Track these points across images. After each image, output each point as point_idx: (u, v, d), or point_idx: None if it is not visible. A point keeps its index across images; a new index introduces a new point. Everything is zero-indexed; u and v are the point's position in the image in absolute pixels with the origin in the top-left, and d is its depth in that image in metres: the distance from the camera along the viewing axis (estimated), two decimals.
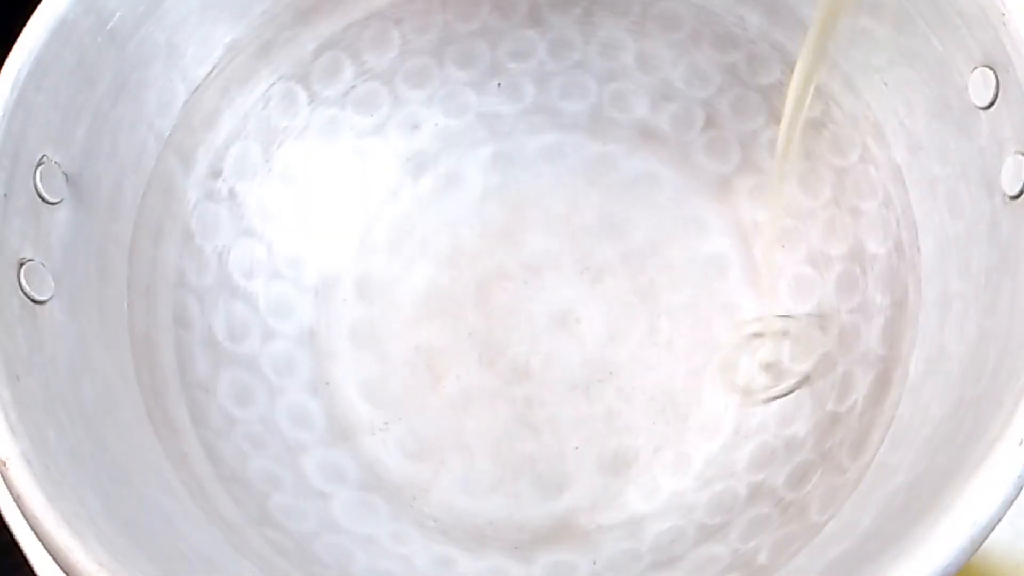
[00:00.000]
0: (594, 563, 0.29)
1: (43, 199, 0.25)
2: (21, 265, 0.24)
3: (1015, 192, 0.24)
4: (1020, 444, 0.21)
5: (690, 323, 0.32)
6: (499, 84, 0.34)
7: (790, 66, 0.30)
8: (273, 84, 0.31)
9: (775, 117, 0.31)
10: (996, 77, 0.25)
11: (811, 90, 0.28)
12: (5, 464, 0.22)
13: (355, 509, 0.29)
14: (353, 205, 0.33)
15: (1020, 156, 0.24)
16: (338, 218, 0.33)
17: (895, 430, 0.26)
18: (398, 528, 0.29)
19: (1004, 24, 0.24)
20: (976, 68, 0.25)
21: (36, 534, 0.21)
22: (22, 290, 0.24)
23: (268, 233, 0.32)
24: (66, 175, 0.26)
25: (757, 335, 0.31)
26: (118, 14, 0.27)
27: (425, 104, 0.34)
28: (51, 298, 0.25)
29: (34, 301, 0.24)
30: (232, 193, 0.31)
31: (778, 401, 0.30)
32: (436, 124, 0.34)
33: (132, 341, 0.27)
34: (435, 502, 0.30)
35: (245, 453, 0.29)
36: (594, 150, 0.34)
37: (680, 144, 0.33)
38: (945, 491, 0.22)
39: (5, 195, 0.24)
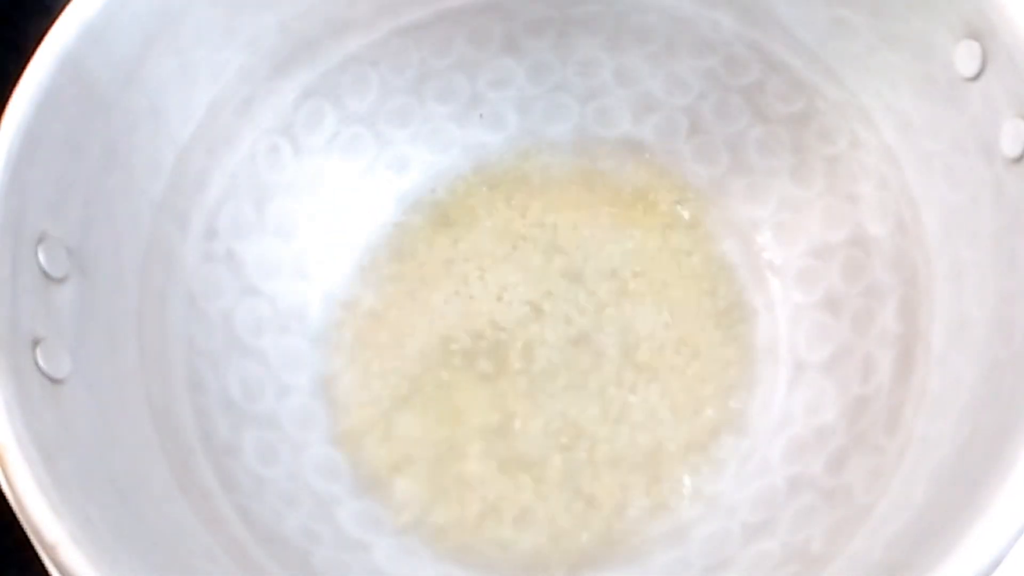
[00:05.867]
0: None
1: (48, 275, 0.25)
2: (36, 344, 0.24)
3: (1017, 154, 0.25)
4: None
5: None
6: (481, 115, 0.34)
7: (769, 64, 0.31)
8: (257, 139, 0.31)
9: (759, 116, 0.32)
10: (981, 47, 0.25)
11: None
12: (56, 548, 0.21)
13: (397, 555, 0.29)
14: (351, 251, 0.33)
15: (1018, 119, 0.25)
16: (337, 265, 0.33)
17: (929, 403, 0.26)
18: (442, 569, 0.29)
19: None
20: (960, 41, 0.26)
21: None
22: (40, 370, 0.23)
23: (270, 289, 0.31)
24: (67, 249, 0.25)
25: None
26: (101, 81, 0.26)
27: (410, 142, 0.33)
28: (69, 376, 0.24)
29: (53, 380, 0.24)
30: (230, 252, 0.30)
31: (801, 392, 0.30)
32: (423, 161, 0.34)
33: (152, 412, 0.27)
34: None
35: (279, 512, 0.28)
36: (584, 169, 0.34)
37: (668, 153, 0.33)
38: (1002, 451, 0.22)
39: (12, 275, 0.24)
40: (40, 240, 0.25)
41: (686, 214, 0.33)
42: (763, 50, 0.31)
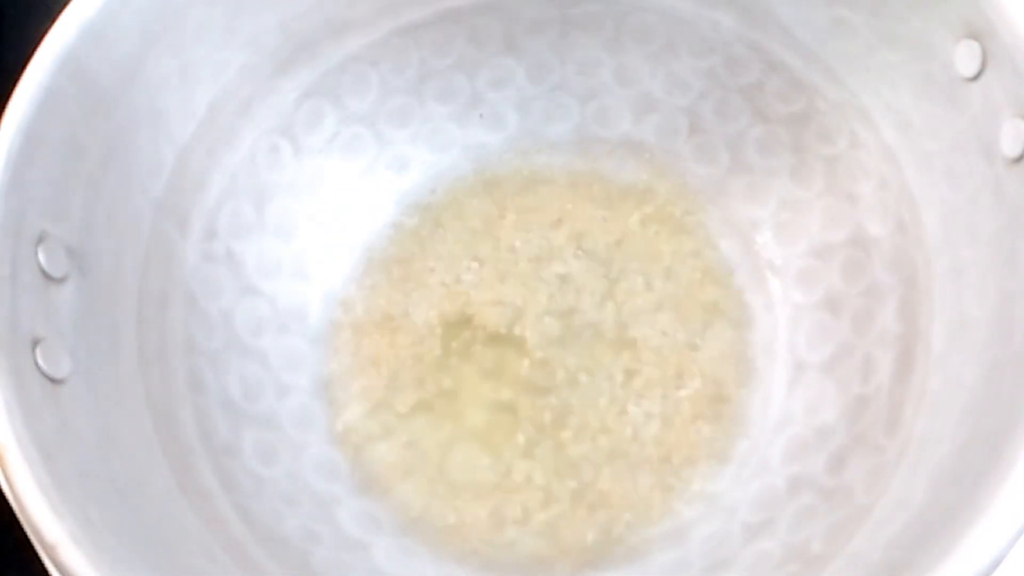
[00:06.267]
0: None
1: (48, 275, 0.25)
2: (35, 344, 0.24)
3: (1017, 154, 0.25)
4: None
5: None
6: (481, 115, 0.34)
7: (769, 64, 0.31)
8: (257, 139, 0.31)
9: (759, 116, 0.32)
10: (981, 47, 0.25)
11: None
12: (56, 548, 0.21)
13: (397, 555, 0.29)
14: (351, 251, 0.33)
15: (1018, 119, 0.25)
16: (337, 265, 0.33)
17: (929, 403, 0.26)
18: (442, 569, 0.29)
19: None
20: (959, 41, 0.26)
21: None
22: (40, 370, 0.23)
23: (269, 289, 0.31)
24: (67, 249, 0.25)
25: None
26: (102, 81, 0.26)
27: (410, 142, 0.34)
28: (69, 376, 0.24)
29: (53, 380, 0.24)
30: (229, 252, 0.30)
31: (801, 392, 0.30)
32: (424, 161, 0.34)
33: (152, 412, 0.27)
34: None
35: (279, 512, 0.28)
36: (584, 169, 0.34)
37: (668, 153, 0.33)
38: (1002, 451, 0.22)
39: (12, 275, 0.24)
40: (40, 240, 0.25)
41: (686, 214, 0.33)
42: (763, 50, 0.31)
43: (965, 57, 0.26)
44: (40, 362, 0.23)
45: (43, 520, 0.21)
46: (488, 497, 0.30)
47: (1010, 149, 0.25)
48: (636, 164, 0.34)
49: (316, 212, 0.33)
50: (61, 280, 0.25)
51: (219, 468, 0.27)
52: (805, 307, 0.31)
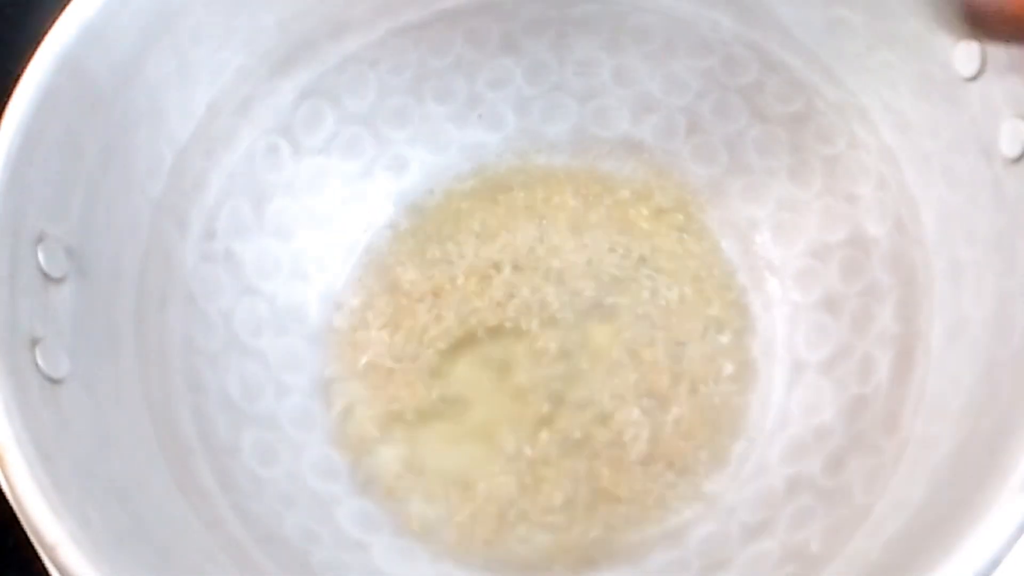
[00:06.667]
0: None
1: (47, 275, 0.25)
2: (35, 344, 0.24)
3: (1016, 154, 0.25)
4: None
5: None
6: (479, 115, 0.34)
7: (768, 64, 0.31)
8: (256, 139, 0.31)
9: (758, 116, 0.32)
10: (980, 47, 0.25)
11: None
12: (56, 549, 0.21)
13: (395, 555, 0.29)
14: (350, 251, 0.33)
15: (1017, 120, 0.25)
16: (337, 265, 0.33)
17: (927, 403, 0.27)
18: (441, 570, 0.29)
19: None
20: (959, 41, 0.26)
21: None
22: (39, 370, 0.23)
23: (268, 289, 0.31)
24: (67, 249, 0.25)
25: None
26: (101, 81, 0.26)
27: (408, 143, 0.34)
28: (68, 376, 0.24)
29: (52, 380, 0.24)
30: (228, 253, 0.31)
31: (800, 393, 0.30)
32: (422, 161, 0.34)
33: (151, 412, 0.27)
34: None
35: (278, 512, 0.28)
36: (582, 168, 0.34)
37: (667, 153, 0.33)
38: (1002, 451, 0.22)
39: (11, 275, 0.24)
40: (39, 240, 0.25)
41: (684, 214, 0.33)
42: (762, 50, 0.31)
43: (964, 57, 0.26)
44: (39, 362, 0.23)
45: (43, 520, 0.21)
46: (487, 496, 0.30)
47: (1009, 149, 0.25)
48: (635, 164, 0.34)
49: (315, 212, 0.33)
50: (60, 280, 0.25)
51: (218, 468, 0.27)
52: (804, 307, 0.31)
